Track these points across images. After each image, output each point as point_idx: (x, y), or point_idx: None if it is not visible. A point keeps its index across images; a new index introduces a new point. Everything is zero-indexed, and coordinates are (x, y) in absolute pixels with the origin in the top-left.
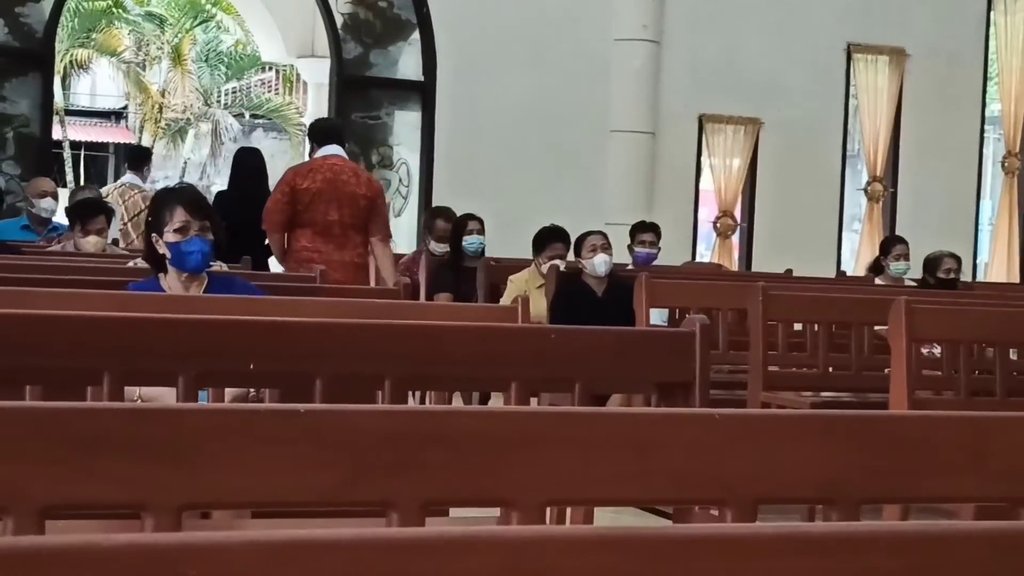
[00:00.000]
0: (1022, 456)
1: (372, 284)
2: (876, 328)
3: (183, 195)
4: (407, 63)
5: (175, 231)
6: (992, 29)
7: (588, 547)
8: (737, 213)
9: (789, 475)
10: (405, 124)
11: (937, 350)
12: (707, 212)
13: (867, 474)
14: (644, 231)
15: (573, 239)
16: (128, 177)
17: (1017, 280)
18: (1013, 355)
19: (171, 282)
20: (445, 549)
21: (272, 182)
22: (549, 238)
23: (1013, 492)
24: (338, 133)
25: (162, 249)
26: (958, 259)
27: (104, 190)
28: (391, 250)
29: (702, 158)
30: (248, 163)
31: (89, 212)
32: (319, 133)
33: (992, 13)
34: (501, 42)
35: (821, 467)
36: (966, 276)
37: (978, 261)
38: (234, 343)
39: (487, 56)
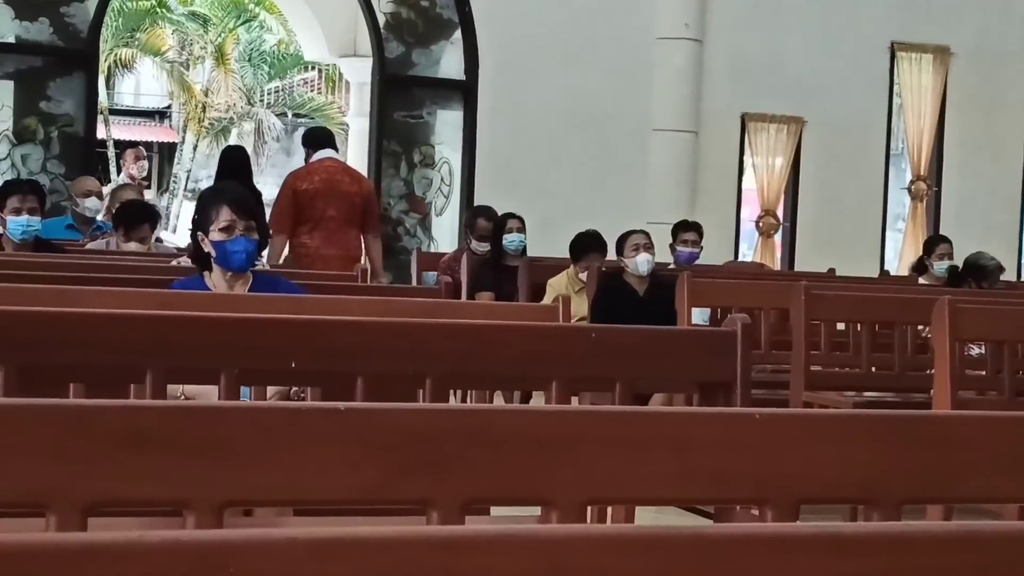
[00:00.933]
0: None
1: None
2: (920, 327)
3: (229, 194)
4: (449, 62)
5: (220, 230)
6: None
7: (627, 546)
8: (780, 212)
9: (830, 475)
10: (447, 123)
11: (975, 350)
12: (749, 211)
13: (909, 474)
14: (686, 230)
15: (615, 238)
16: (122, 175)
17: None
18: None
19: (216, 280)
20: (485, 547)
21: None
22: (586, 248)
23: None
24: (331, 139)
25: (207, 248)
26: (1003, 269)
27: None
28: (380, 244)
29: (744, 157)
30: (233, 158)
31: (134, 219)
32: (314, 140)
33: None
34: (543, 41)
35: (862, 467)
36: (1010, 276)
37: (1023, 261)
38: (276, 341)
39: (529, 55)
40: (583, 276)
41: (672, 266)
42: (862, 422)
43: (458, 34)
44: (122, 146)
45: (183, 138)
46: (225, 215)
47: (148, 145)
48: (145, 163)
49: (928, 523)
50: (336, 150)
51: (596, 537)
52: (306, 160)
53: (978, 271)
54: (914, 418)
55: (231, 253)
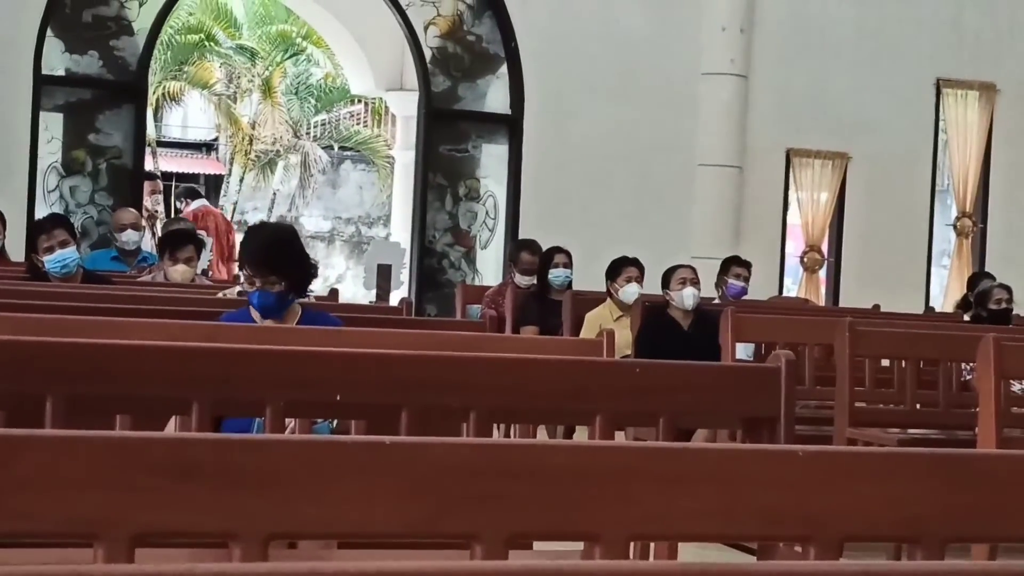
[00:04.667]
0: None
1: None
2: (963, 366)
3: (249, 251)
4: (495, 96)
5: (246, 280)
6: None
7: None
8: (824, 247)
9: (874, 513)
10: (492, 157)
11: (1016, 387)
12: (794, 246)
13: (954, 513)
14: (739, 265)
15: (660, 272)
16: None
17: None
18: None
19: None
20: None
21: (364, 212)
22: (622, 263)
23: None
24: (199, 192)
25: None
26: (1009, 289)
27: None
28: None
29: (789, 192)
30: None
31: (179, 241)
32: (190, 193)
33: None
34: (589, 76)
35: (907, 505)
36: None
37: None
38: (321, 374)
39: (575, 90)
40: (623, 293)
41: (717, 300)
42: (906, 460)
43: (504, 68)
44: (168, 178)
45: (230, 170)
46: (247, 269)
47: (195, 177)
48: (160, 196)
49: (971, 563)
50: (205, 199)
51: (639, 572)
52: (183, 208)
53: (981, 297)
54: (959, 456)
55: (255, 304)
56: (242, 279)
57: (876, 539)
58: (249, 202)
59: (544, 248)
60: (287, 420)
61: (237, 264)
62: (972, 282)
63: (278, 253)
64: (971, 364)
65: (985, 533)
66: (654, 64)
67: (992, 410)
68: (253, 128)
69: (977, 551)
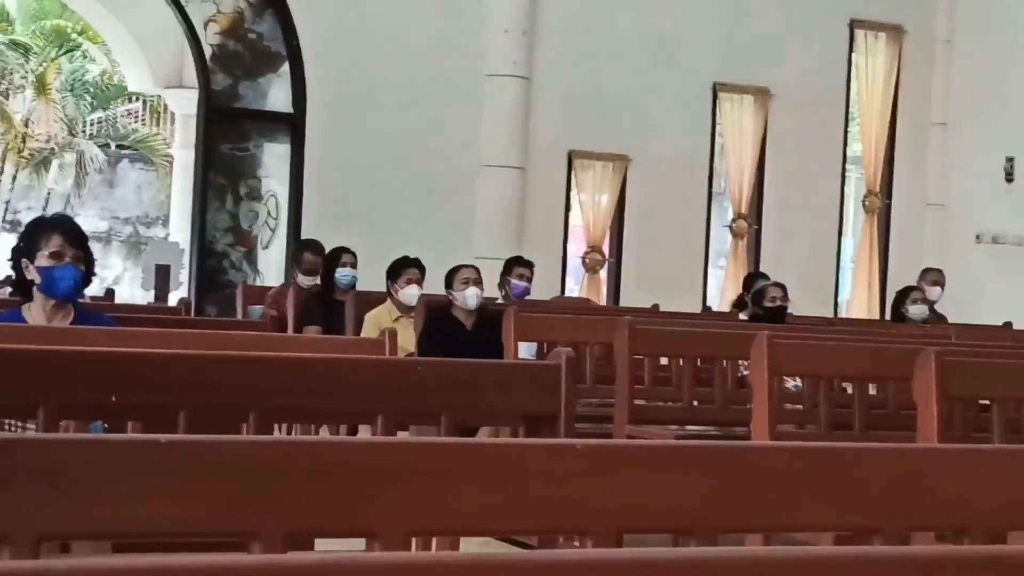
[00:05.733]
0: (879, 487)
1: None
2: (740, 364)
3: (61, 224)
4: (277, 95)
5: (49, 255)
6: (853, 71)
7: (447, 571)
8: (605, 248)
9: (651, 505)
10: (274, 156)
11: (790, 383)
12: (576, 247)
13: (728, 504)
14: (521, 265)
15: (444, 272)
16: None
17: (877, 317)
18: (872, 390)
19: (35, 313)
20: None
21: (142, 211)
22: (403, 264)
23: (870, 522)
24: None
25: (32, 275)
26: (783, 288)
27: None
28: None
29: (571, 194)
30: None
31: None
32: None
33: (853, 55)
34: (372, 75)
35: (682, 497)
36: (826, 311)
37: (840, 299)
38: (96, 375)
39: (358, 89)
40: (403, 295)
41: (500, 300)
42: (680, 452)
43: (286, 67)
44: None
45: (2, 168)
46: (56, 242)
47: None
48: None
49: (744, 548)
50: None
51: (418, 564)
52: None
53: (756, 296)
54: (731, 448)
55: (58, 279)
56: (45, 254)
57: (651, 531)
58: (22, 201)
59: (327, 248)
60: (61, 422)
61: (28, 244)
62: (748, 282)
63: (83, 235)
64: (747, 361)
65: (757, 524)
66: (438, 65)
67: (766, 406)
68: (26, 125)
69: (751, 542)
